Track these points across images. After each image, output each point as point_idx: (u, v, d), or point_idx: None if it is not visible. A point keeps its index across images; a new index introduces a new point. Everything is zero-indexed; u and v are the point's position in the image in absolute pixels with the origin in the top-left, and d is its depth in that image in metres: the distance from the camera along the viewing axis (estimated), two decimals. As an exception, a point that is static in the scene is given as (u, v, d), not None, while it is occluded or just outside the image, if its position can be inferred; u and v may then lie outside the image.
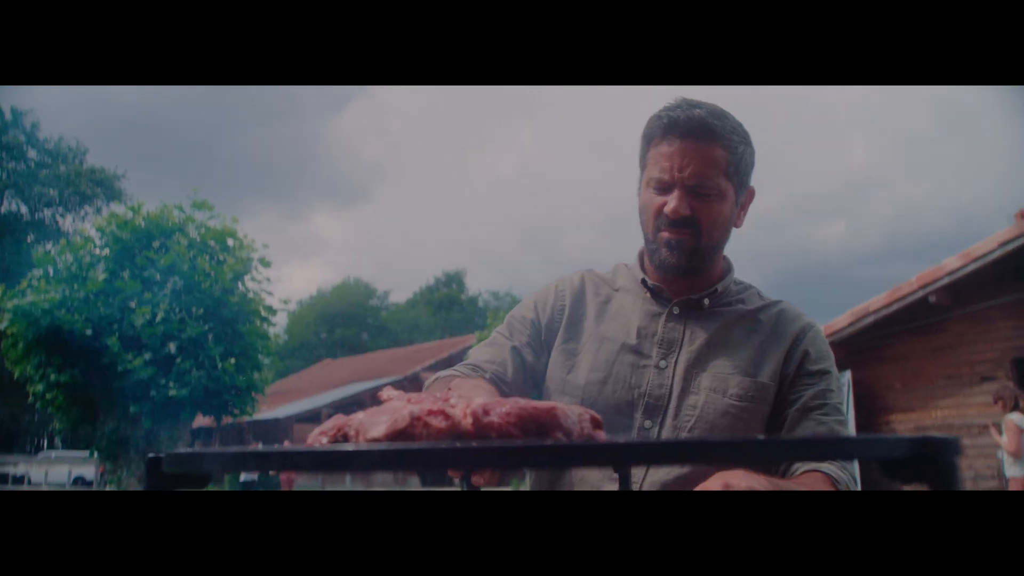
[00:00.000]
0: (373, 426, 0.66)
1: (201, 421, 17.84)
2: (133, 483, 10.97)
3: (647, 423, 1.53)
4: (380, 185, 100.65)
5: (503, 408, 0.66)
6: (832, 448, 0.59)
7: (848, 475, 1.49)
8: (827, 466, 1.46)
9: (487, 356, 1.65)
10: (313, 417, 25.81)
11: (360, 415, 0.68)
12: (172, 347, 11.72)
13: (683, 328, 1.60)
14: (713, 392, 1.52)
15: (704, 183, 1.48)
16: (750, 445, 0.54)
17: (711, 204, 1.50)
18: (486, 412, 0.65)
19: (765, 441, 0.57)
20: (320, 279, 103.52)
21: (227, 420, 12.66)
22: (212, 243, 12.86)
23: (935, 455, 0.53)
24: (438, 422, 0.64)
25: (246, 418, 14.37)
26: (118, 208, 13.42)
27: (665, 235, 1.54)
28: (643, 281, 1.66)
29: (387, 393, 0.84)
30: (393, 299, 63.61)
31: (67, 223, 36.09)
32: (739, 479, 1.21)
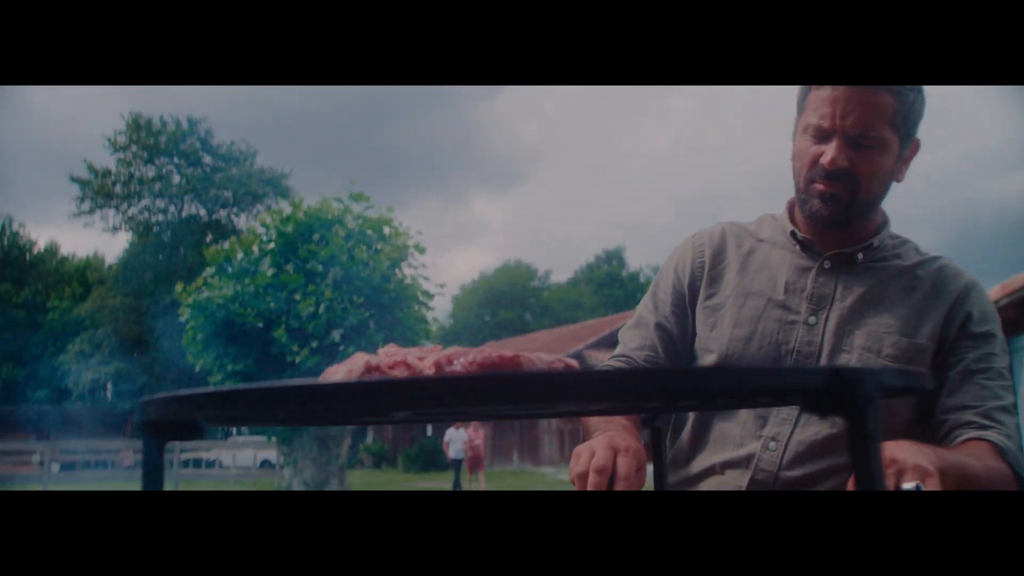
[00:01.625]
0: (331, 376, 0.64)
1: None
2: (308, 464, 11.45)
3: None
4: (536, 166, 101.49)
5: (467, 357, 0.63)
6: (736, 378, 0.45)
7: (1015, 443, 1.40)
8: (991, 433, 1.38)
9: (636, 342, 1.61)
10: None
11: (328, 370, 0.66)
12: (336, 335, 12.13)
13: (834, 283, 1.50)
14: (867, 351, 1.44)
15: (867, 133, 1.37)
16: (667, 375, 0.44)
17: (872, 156, 1.39)
18: (449, 361, 0.63)
19: (652, 371, 0.47)
20: (482, 263, 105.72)
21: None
22: (369, 232, 13.21)
23: (852, 387, 0.47)
24: (399, 372, 0.61)
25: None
26: (283, 205, 13.99)
27: (819, 187, 1.44)
28: (792, 233, 1.55)
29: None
30: (554, 279, 64.03)
31: (241, 222, 38.28)
32: (905, 452, 1.16)
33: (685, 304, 1.59)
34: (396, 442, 33.41)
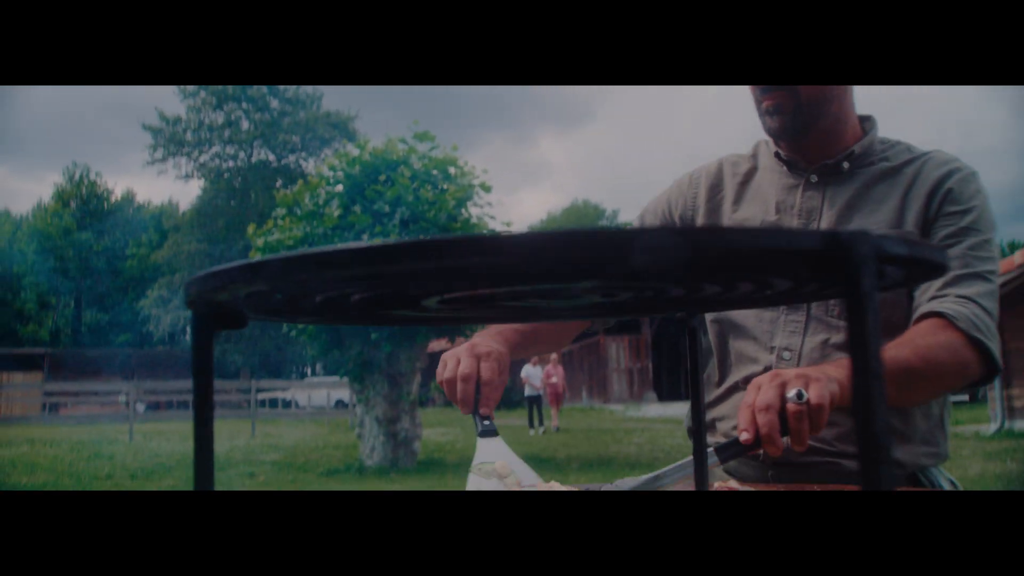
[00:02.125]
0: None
1: (438, 345, 18.72)
2: (380, 402, 11.67)
3: None
4: (604, 103, 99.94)
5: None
6: (716, 238, 0.45)
7: (975, 308, 1.38)
8: (938, 304, 1.37)
9: None
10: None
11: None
12: (405, 275, 12.21)
13: (822, 195, 1.53)
14: None
15: None
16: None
17: None
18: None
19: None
20: (549, 203, 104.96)
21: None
22: (435, 172, 13.24)
23: (848, 249, 0.45)
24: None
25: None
26: (350, 147, 14.08)
27: (765, 103, 1.49)
28: (776, 154, 1.59)
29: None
30: (623, 217, 63.39)
31: (310, 166, 38.63)
32: (792, 369, 1.21)
33: None
34: (466, 381, 33.73)
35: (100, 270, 44.56)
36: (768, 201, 1.58)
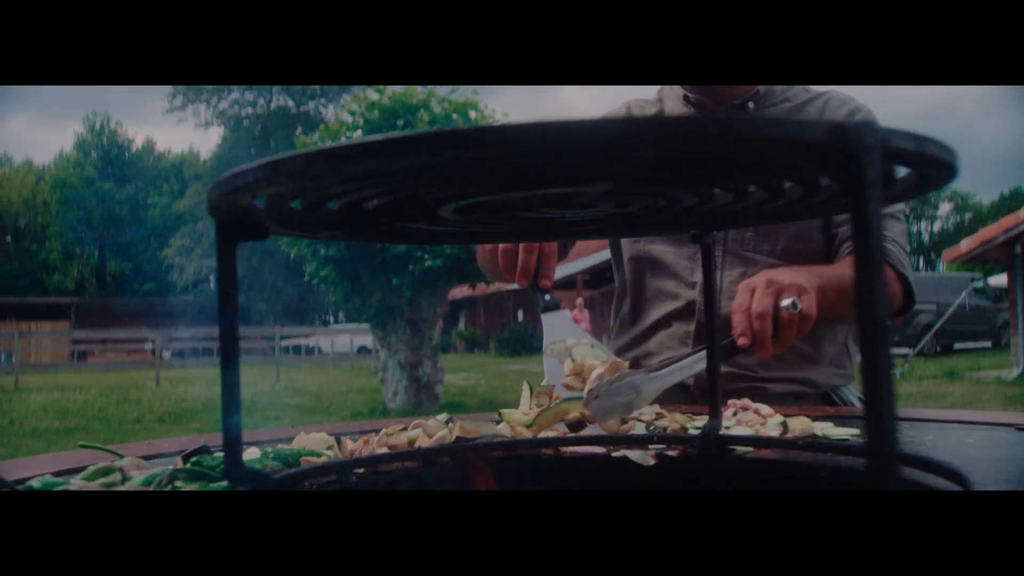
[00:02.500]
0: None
1: (458, 293, 18.76)
2: (402, 347, 11.77)
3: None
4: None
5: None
6: (719, 127, 0.45)
7: (897, 246, 1.54)
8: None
9: None
10: (569, 284, 26.34)
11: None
12: (424, 220, 12.24)
13: None
14: None
15: None
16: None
17: None
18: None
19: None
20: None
21: (481, 287, 13.20)
22: (455, 116, 13.17)
23: (853, 140, 0.45)
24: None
25: (503, 285, 14.94)
26: (369, 92, 14.00)
27: None
28: (684, 96, 1.63)
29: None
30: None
31: (329, 113, 38.47)
32: (782, 274, 1.27)
33: None
34: (488, 327, 34.01)
35: (123, 219, 44.86)
36: None
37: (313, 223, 0.72)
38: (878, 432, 0.45)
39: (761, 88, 1.60)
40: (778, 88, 1.63)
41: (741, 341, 1.18)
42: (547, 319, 1.27)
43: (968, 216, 56.03)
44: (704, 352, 1.09)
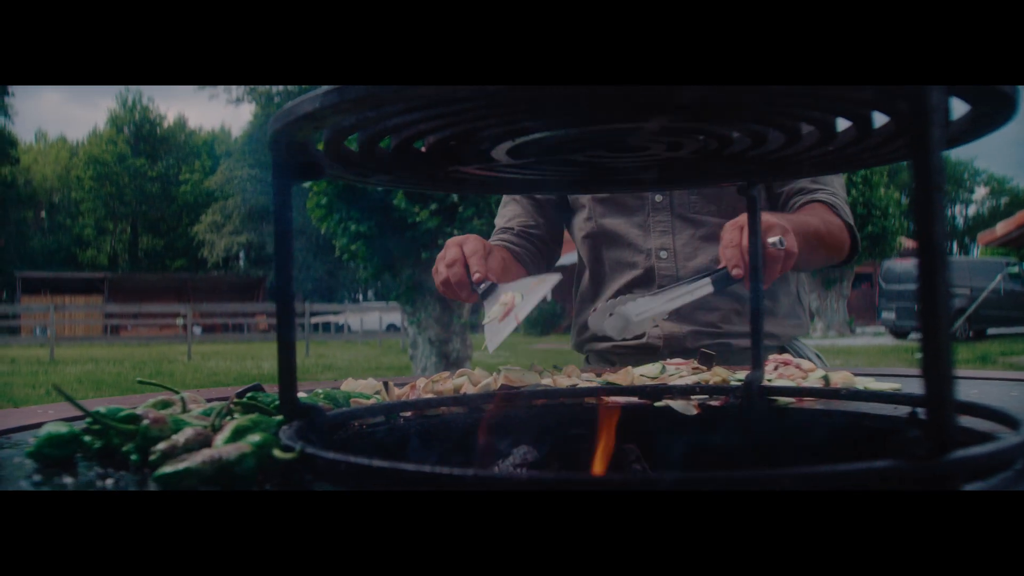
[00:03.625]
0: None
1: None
2: (432, 324, 11.81)
3: (657, 197, 1.75)
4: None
5: None
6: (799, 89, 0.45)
7: (841, 199, 1.68)
8: (821, 194, 1.65)
9: (508, 214, 1.85)
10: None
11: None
12: (456, 196, 12.28)
13: None
14: None
15: None
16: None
17: None
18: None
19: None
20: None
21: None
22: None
23: (920, 95, 0.45)
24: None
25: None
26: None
27: None
28: None
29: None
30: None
31: (359, 91, 38.36)
32: (765, 216, 1.32)
33: None
34: (515, 307, 33.93)
35: (155, 196, 45.24)
36: None
37: (367, 164, 0.73)
38: (937, 380, 0.46)
39: None
40: None
41: (735, 272, 1.25)
42: (486, 302, 1.33)
43: (1004, 200, 55.16)
44: (706, 280, 1.22)
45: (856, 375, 1.10)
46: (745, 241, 1.27)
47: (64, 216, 45.11)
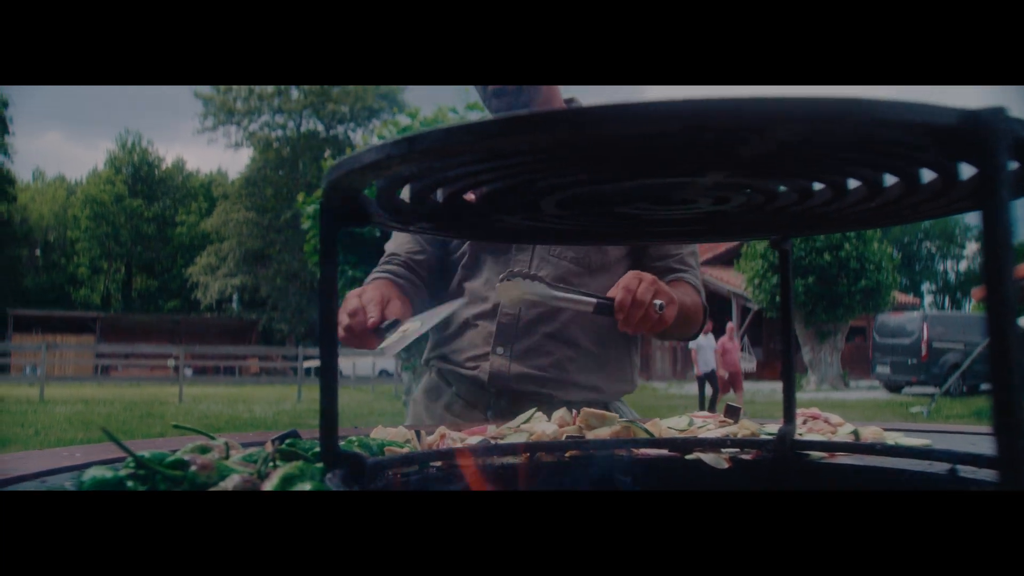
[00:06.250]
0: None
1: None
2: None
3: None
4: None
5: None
6: (866, 109, 0.46)
7: (700, 281, 1.86)
8: (688, 276, 1.82)
9: (396, 243, 1.90)
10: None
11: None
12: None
13: None
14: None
15: None
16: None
17: None
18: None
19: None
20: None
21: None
22: (485, 143, 13.24)
23: (986, 128, 0.45)
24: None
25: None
26: (400, 117, 14.11)
27: (495, 103, 1.73)
28: None
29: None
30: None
31: (358, 137, 38.78)
32: (651, 276, 1.50)
33: None
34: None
35: (150, 236, 45.30)
36: None
37: (417, 213, 0.73)
38: (1010, 434, 0.45)
39: None
40: None
41: (618, 315, 1.44)
42: (389, 335, 1.44)
43: (995, 256, 55.25)
44: (592, 301, 1.43)
45: (885, 430, 1.10)
46: (640, 292, 1.45)
47: (59, 255, 45.10)
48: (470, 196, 0.71)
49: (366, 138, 13.22)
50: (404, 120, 13.17)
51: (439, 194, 0.71)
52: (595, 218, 0.80)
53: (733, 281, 25.01)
